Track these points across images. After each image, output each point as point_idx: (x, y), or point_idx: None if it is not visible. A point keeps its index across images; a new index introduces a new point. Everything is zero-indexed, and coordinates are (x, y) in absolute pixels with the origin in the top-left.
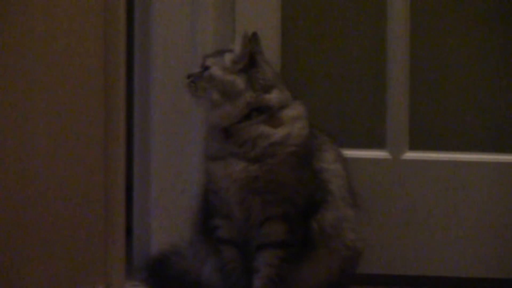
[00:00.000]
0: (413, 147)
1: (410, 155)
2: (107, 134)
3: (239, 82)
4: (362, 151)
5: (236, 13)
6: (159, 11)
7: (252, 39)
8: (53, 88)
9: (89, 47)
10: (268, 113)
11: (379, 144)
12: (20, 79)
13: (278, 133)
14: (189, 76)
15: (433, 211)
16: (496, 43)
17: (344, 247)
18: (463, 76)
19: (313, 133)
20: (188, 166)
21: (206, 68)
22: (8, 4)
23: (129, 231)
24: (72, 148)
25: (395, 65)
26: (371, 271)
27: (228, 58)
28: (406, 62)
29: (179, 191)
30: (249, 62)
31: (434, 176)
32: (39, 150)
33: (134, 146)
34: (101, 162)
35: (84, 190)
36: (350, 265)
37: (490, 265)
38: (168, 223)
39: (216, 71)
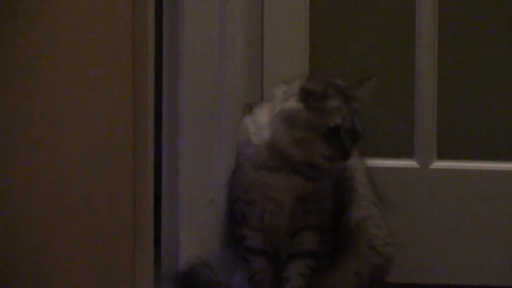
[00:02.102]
0: (442, 156)
1: (439, 164)
2: (136, 143)
3: None
4: (390, 161)
5: (265, 19)
6: (188, 16)
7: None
8: (82, 97)
9: (117, 55)
10: None
11: (407, 153)
12: (49, 87)
13: None
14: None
15: (462, 220)
16: None
17: (373, 250)
18: (492, 84)
19: None
20: (217, 176)
21: None
22: (37, 8)
23: (157, 241)
24: (101, 158)
25: (423, 73)
26: (400, 280)
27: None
28: (434, 70)
29: (208, 201)
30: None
31: (463, 185)
32: (69, 160)
33: (163, 155)
34: (130, 172)
35: (112, 199)
36: (381, 273)
37: None
38: (196, 233)
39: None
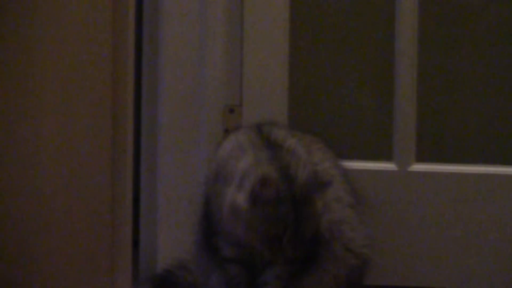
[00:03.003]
0: (420, 159)
1: (417, 167)
2: (115, 145)
3: None
4: (369, 163)
5: (244, 21)
6: (168, 18)
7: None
8: (61, 99)
9: (97, 56)
10: None
11: (385, 155)
12: (27, 86)
13: None
14: None
15: (441, 223)
16: (506, 54)
17: (349, 252)
18: (472, 87)
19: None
20: (195, 177)
21: None
22: (17, 7)
23: (136, 242)
24: (80, 159)
25: (402, 75)
26: (378, 282)
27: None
28: (414, 73)
29: (187, 202)
30: None
31: (442, 188)
32: (47, 161)
33: (141, 157)
34: (109, 173)
35: (90, 200)
36: (358, 275)
37: (496, 278)
38: (174, 234)
39: None
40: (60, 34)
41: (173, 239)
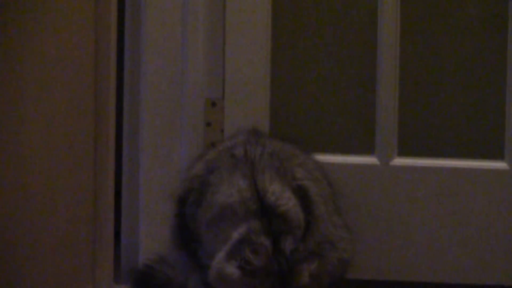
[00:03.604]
0: (402, 153)
1: (399, 161)
2: (97, 138)
3: None
4: (350, 157)
5: (226, 15)
6: (150, 12)
7: None
8: (43, 92)
9: (80, 51)
10: None
11: (367, 149)
12: (10, 82)
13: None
14: None
15: (423, 217)
16: (488, 48)
17: (333, 262)
18: (454, 81)
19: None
20: (177, 171)
21: None
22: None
23: (117, 235)
24: (62, 152)
25: (384, 69)
26: (359, 276)
27: None
28: (395, 67)
29: (167, 195)
30: None
31: (424, 183)
32: (30, 155)
33: (123, 150)
34: (91, 167)
35: (73, 194)
36: (339, 276)
37: (477, 271)
38: (156, 228)
39: None
40: (43, 27)
41: (154, 232)
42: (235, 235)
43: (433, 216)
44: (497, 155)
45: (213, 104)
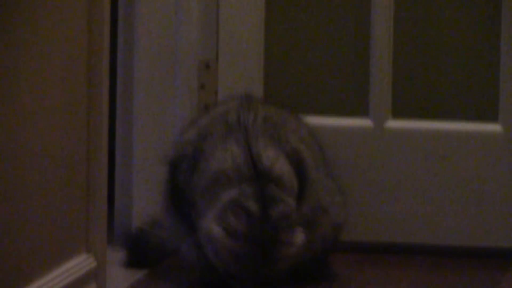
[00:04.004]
0: (396, 115)
1: (393, 123)
2: (90, 100)
3: None
4: (344, 119)
5: None
6: None
7: None
8: (37, 53)
9: (71, 14)
10: None
11: (361, 112)
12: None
13: None
14: None
15: (416, 179)
16: (482, 11)
17: (326, 227)
18: (448, 43)
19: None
20: (171, 133)
21: None
22: None
23: (111, 199)
24: (55, 114)
25: (378, 31)
26: (352, 238)
27: None
28: (390, 28)
29: (161, 158)
30: None
31: (418, 145)
32: (23, 116)
33: (117, 111)
34: (84, 131)
35: (65, 157)
36: (332, 241)
37: (471, 233)
38: (150, 191)
39: None
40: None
41: (148, 196)
42: (226, 197)
43: (427, 177)
44: (491, 117)
45: (207, 66)
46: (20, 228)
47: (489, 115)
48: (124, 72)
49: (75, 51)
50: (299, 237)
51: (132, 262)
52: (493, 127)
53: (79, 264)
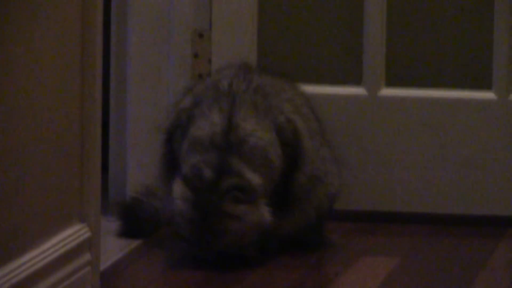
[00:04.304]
0: (390, 83)
1: (387, 91)
2: (84, 68)
3: None
4: (338, 88)
5: None
6: None
7: None
8: (29, 23)
9: None
10: None
11: (355, 80)
12: None
13: None
14: None
15: (411, 147)
16: None
17: (321, 197)
18: (442, 11)
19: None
20: (164, 102)
21: None
22: None
23: (105, 168)
24: (49, 82)
25: (372, 0)
26: (347, 207)
27: None
28: None
29: (155, 127)
30: None
31: (412, 113)
32: (16, 85)
33: (111, 81)
34: (78, 97)
35: (59, 127)
36: (326, 210)
37: (466, 202)
38: (144, 160)
39: None
40: None
41: (142, 165)
42: (190, 162)
43: (421, 146)
44: (485, 85)
45: (200, 35)
46: (14, 199)
47: (483, 83)
48: (118, 41)
49: (67, 20)
50: (256, 215)
51: (127, 232)
52: (487, 95)
53: (73, 234)
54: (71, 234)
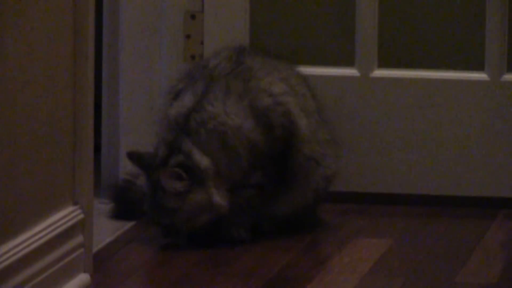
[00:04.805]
0: (382, 64)
1: (379, 72)
2: (76, 51)
3: None
4: (331, 69)
5: None
6: None
7: None
8: (23, 9)
9: None
10: None
11: (347, 61)
12: None
13: None
14: None
15: (404, 128)
16: None
17: (318, 179)
18: None
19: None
20: (157, 83)
21: None
22: None
23: (98, 149)
24: (41, 65)
25: None
26: (341, 189)
27: None
28: None
29: (148, 108)
30: None
31: (403, 94)
32: (11, 73)
33: (103, 63)
34: (70, 79)
35: (51, 109)
36: (322, 192)
37: (459, 183)
38: (136, 141)
39: None
40: None
41: (135, 147)
42: (157, 138)
43: (414, 127)
44: (478, 66)
45: (192, 16)
46: (6, 181)
47: (475, 64)
48: (110, 22)
49: (60, 2)
50: (201, 196)
51: (119, 214)
52: (480, 76)
53: (66, 216)
54: (64, 216)
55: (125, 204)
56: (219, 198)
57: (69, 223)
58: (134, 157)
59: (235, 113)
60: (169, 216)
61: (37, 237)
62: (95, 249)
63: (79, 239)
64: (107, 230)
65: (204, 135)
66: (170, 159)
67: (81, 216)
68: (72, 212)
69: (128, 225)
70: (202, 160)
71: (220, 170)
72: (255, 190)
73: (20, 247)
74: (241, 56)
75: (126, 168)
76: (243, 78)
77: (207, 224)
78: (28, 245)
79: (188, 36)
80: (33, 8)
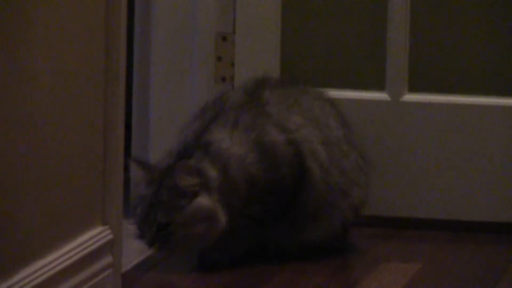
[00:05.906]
0: (413, 89)
1: (410, 97)
2: (108, 71)
3: None
4: (361, 93)
5: None
6: None
7: None
8: (54, 21)
9: None
10: None
11: (378, 85)
12: (22, 12)
13: None
14: None
15: (432, 154)
16: None
17: (346, 210)
18: (464, 17)
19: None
20: (187, 105)
21: None
22: None
23: (127, 169)
24: (73, 84)
25: (396, 4)
26: (369, 212)
27: None
28: (407, 3)
29: (178, 130)
30: None
31: (433, 119)
32: (40, 87)
33: (134, 83)
34: (101, 100)
35: (82, 128)
36: (352, 217)
37: (488, 209)
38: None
39: None
40: None
41: None
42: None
43: (444, 152)
44: (509, 91)
45: (224, 38)
46: (36, 200)
47: (507, 88)
48: (141, 43)
49: (91, 23)
50: (207, 200)
51: None
52: (511, 102)
53: (95, 236)
54: (93, 236)
55: None
56: (221, 213)
57: (98, 244)
58: (137, 160)
59: (239, 143)
60: (169, 215)
61: (66, 256)
62: (123, 269)
63: (108, 259)
64: (135, 251)
65: (210, 154)
66: (165, 180)
67: (110, 236)
68: (102, 232)
69: None
70: (212, 171)
71: (222, 191)
72: (250, 221)
73: (49, 266)
74: (259, 88)
75: None
76: (254, 112)
77: (197, 236)
78: (57, 265)
79: (219, 58)
80: (65, 26)
